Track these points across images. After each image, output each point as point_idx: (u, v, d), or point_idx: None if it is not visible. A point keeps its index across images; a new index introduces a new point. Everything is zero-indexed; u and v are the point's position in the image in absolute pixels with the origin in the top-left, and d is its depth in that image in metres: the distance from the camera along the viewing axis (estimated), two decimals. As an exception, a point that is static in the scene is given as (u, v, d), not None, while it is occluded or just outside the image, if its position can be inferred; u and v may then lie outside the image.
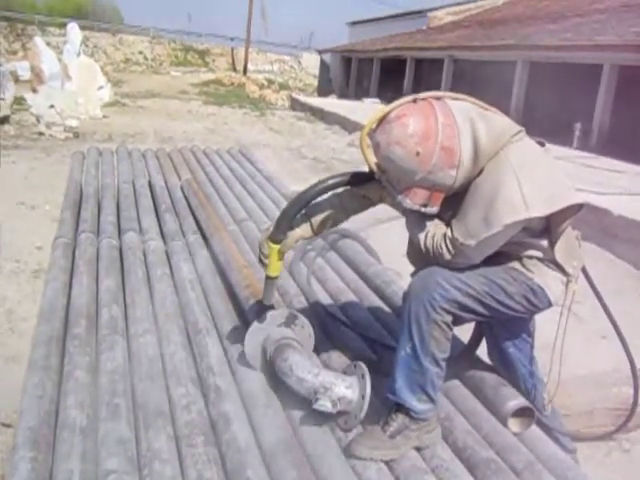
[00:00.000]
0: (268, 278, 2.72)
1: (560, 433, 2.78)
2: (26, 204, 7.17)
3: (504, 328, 2.72)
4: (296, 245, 2.81)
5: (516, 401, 2.60)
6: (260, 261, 2.71)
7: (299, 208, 2.60)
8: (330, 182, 2.58)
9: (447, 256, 2.34)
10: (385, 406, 2.55)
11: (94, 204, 5.08)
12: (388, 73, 25.71)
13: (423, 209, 2.33)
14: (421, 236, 2.41)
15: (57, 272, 3.64)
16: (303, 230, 2.68)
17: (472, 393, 2.75)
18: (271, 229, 2.63)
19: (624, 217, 6.75)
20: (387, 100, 22.73)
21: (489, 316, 2.47)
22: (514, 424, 2.59)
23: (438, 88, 20.23)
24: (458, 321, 2.45)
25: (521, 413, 2.60)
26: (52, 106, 13.29)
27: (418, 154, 2.19)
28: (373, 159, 2.37)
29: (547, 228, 2.39)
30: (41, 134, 12.16)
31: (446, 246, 2.33)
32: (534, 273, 2.42)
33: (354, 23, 38.07)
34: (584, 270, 2.61)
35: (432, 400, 2.45)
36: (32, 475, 2.04)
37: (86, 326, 3.04)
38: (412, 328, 2.37)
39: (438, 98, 2.33)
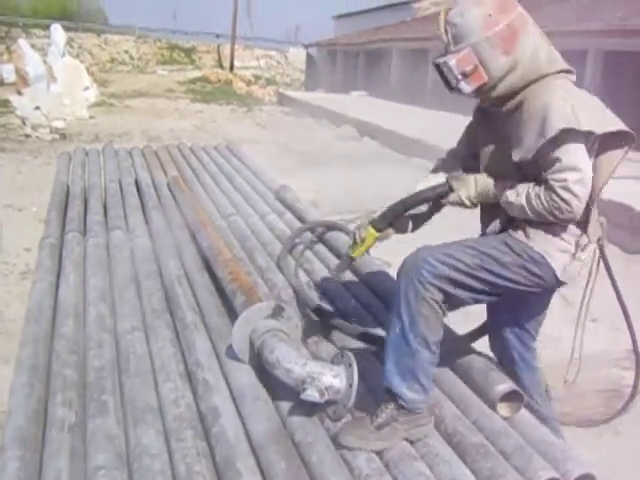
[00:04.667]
0: (349, 257, 2.82)
1: (550, 420, 2.77)
2: (13, 206, 7.17)
3: (510, 315, 2.72)
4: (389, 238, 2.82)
5: (505, 385, 2.59)
6: (354, 241, 2.77)
7: (406, 208, 2.69)
8: (436, 191, 2.63)
9: (565, 205, 2.30)
10: (376, 395, 2.55)
11: (81, 204, 5.06)
12: (375, 65, 25.69)
13: (460, 78, 2.39)
14: (522, 202, 2.40)
15: (44, 272, 3.63)
16: (400, 228, 2.77)
17: (461, 378, 2.75)
18: (374, 217, 2.72)
19: (613, 201, 6.78)
20: (374, 92, 22.76)
21: (490, 292, 2.44)
22: (503, 408, 2.59)
23: (425, 79, 20.26)
24: (454, 300, 2.42)
25: (510, 397, 2.60)
26: (38, 108, 13.24)
27: (489, 16, 2.35)
28: (445, 20, 2.45)
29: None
30: (27, 136, 12.14)
31: (557, 195, 2.31)
32: (534, 241, 2.42)
33: (340, 16, 38.03)
34: (601, 247, 2.59)
35: (424, 389, 2.41)
36: (20, 474, 2.04)
37: (73, 325, 3.03)
38: (401, 307, 2.36)
39: None
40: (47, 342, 2.90)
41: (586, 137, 2.30)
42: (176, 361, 2.79)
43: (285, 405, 2.51)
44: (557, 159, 2.31)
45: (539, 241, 2.42)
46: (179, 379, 2.64)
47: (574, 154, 2.30)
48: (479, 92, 2.47)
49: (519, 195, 2.41)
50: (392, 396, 2.41)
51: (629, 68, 13.11)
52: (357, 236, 2.73)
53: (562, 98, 2.31)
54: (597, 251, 2.57)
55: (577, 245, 2.47)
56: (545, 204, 2.33)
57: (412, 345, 2.36)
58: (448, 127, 12.86)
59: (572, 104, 2.28)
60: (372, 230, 2.71)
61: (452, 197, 2.56)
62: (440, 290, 2.34)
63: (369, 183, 9.25)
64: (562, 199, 2.30)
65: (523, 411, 2.60)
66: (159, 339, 2.95)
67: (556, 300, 2.77)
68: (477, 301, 2.53)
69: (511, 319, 2.75)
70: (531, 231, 2.43)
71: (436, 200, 2.65)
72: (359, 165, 10.74)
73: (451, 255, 2.36)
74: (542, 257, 2.41)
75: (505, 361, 2.81)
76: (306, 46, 34.86)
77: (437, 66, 2.46)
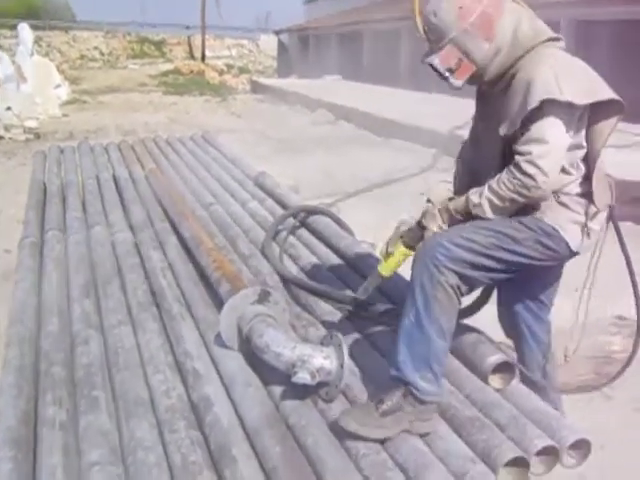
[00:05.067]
0: (379, 276, 2.67)
1: (550, 393, 2.76)
2: (-10, 209, 7.08)
3: (522, 287, 2.71)
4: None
5: (495, 357, 2.59)
6: (381, 255, 2.68)
7: None
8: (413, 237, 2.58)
9: (529, 180, 2.28)
10: (377, 381, 2.53)
11: (59, 202, 5.02)
12: (347, 48, 25.59)
13: (448, 75, 2.40)
14: (487, 196, 2.38)
15: (25, 272, 3.59)
16: None
17: (453, 353, 2.73)
18: (406, 231, 2.59)
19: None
20: (348, 76, 22.69)
21: (506, 270, 2.42)
22: (495, 380, 2.58)
23: (397, 59, 20.22)
24: (470, 282, 2.39)
25: (502, 369, 2.59)
26: (9, 108, 13.06)
27: (460, 8, 2.36)
28: (421, 22, 2.46)
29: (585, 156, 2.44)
30: (1, 138, 12.00)
31: (520, 171, 2.29)
32: (546, 214, 2.41)
33: (310, 0, 37.80)
34: (611, 213, 2.56)
35: (436, 379, 2.34)
36: (14, 474, 2.03)
37: (59, 323, 3.01)
38: (416, 292, 2.33)
39: None
40: (33, 342, 2.87)
41: (568, 108, 2.28)
42: (165, 352, 2.78)
43: (277, 389, 2.50)
44: (528, 129, 2.30)
45: (550, 214, 2.41)
46: (169, 370, 2.63)
47: (547, 128, 2.28)
48: (472, 80, 2.47)
49: (482, 194, 2.40)
50: (402, 384, 2.34)
51: (602, 37, 13.14)
52: (384, 253, 2.64)
53: (549, 66, 2.30)
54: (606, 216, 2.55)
55: (586, 215, 2.45)
56: (510, 186, 2.32)
57: (426, 331, 2.31)
58: (424, 107, 12.93)
59: (557, 73, 2.27)
60: (402, 247, 2.58)
61: (427, 234, 2.49)
62: (456, 273, 2.31)
63: (347, 166, 9.24)
64: (526, 174, 2.28)
65: (515, 382, 2.61)
66: (146, 332, 2.94)
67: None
68: (492, 280, 2.53)
69: (523, 292, 2.74)
70: (542, 205, 2.41)
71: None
72: (336, 149, 10.72)
73: (465, 237, 2.34)
74: (554, 230, 2.40)
75: (513, 334, 2.81)
76: (277, 32, 34.62)
77: (430, 66, 2.47)
